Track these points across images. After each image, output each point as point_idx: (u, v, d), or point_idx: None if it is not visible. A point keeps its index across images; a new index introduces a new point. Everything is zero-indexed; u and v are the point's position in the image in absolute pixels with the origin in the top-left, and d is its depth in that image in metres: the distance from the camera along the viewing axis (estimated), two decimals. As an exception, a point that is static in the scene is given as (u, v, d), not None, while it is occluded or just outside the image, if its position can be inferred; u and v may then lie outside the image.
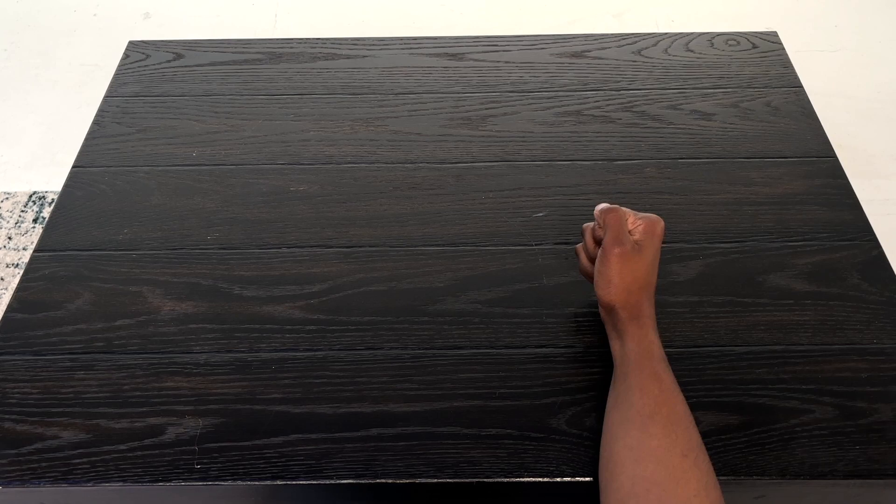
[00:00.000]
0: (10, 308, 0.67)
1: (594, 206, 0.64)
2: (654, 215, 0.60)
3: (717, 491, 0.48)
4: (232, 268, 0.70)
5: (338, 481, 0.55)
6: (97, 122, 0.85)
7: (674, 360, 0.59)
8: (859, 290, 0.67)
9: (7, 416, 0.59)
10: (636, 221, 0.60)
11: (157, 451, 0.57)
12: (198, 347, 0.64)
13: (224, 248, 0.71)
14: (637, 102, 0.86)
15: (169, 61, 0.93)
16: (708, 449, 0.54)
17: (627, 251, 0.57)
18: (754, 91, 0.87)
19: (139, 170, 0.79)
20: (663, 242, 0.70)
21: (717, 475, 0.50)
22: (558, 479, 0.55)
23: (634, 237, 0.59)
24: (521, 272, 0.69)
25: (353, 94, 0.88)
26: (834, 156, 0.79)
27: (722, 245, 0.71)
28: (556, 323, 0.65)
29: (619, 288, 0.57)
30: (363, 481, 0.55)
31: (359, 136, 0.83)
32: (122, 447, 0.57)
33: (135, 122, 0.85)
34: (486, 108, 0.85)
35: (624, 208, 0.60)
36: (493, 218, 0.74)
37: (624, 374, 0.55)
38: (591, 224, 0.63)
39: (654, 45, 0.94)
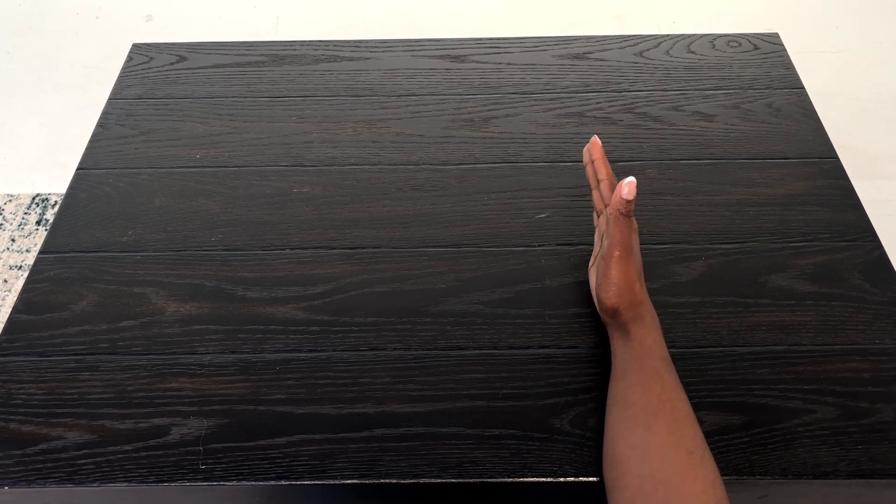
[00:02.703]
0: (16, 309, 0.67)
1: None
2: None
3: (723, 489, 0.49)
4: (235, 269, 0.70)
5: (342, 481, 0.56)
6: (101, 125, 0.86)
7: (676, 361, 0.59)
8: (861, 291, 0.67)
9: (12, 417, 0.60)
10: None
11: (161, 452, 0.57)
12: (202, 348, 0.64)
13: (228, 250, 0.72)
14: (639, 104, 0.86)
15: (172, 64, 0.94)
16: (711, 449, 0.55)
17: (627, 255, 0.57)
18: (756, 92, 0.87)
19: (143, 172, 0.80)
20: (665, 243, 0.71)
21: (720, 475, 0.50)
22: (561, 480, 0.56)
23: None
24: (524, 273, 0.69)
25: (356, 96, 0.88)
26: (835, 157, 0.79)
27: (724, 246, 0.71)
28: (559, 323, 0.65)
29: (623, 289, 0.57)
30: (367, 481, 0.56)
31: (361, 138, 0.83)
32: (127, 448, 0.57)
33: (138, 125, 0.85)
34: (489, 110, 0.86)
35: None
36: (496, 219, 0.74)
37: (623, 371, 0.55)
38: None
39: (656, 46, 0.94)
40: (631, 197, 0.56)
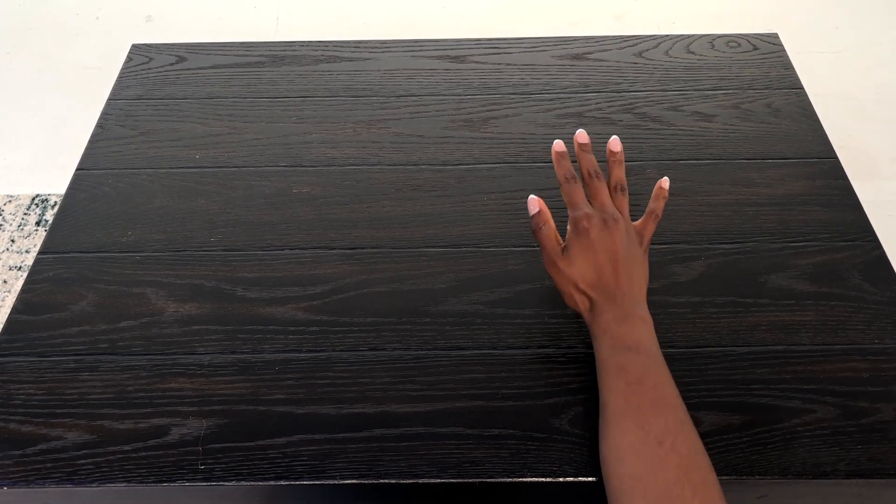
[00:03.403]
0: (15, 310, 0.67)
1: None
2: (582, 210, 0.60)
3: (701, 471, 0.48)
4: (235, 269, 0.70)
5: (341, 481, 0.56)
6: (100, 125, 0.86)
7: (675, 361, 0.59)
8: (861, 291, 0.67)
9: (12, 417, 0.60)
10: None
11: (161, 452, 0.57)
12: (201, 349, 0.64)
13: (227, 250, 0.72)
14: (638, 104, 0.86)
15: (171, 64, 0.94)
16: (710, 449, 0.55)
17: (556, 261, 0.60)
18: (755, 92, 0.87)
19: (142, 172, 0.80)
20: (664, 243, 0.70)
21: (719, 475, 0.50)
22: (561, 479, 0.56)
23: (564, 242, 0.61)
24: (523, 273, 0.69)
25: (355, 96, 0.88)
26: (835, 157, 0.79)
27: (723, 246, 0.71)
28: (558, 323, 0.65)
29: (568, 295, 0.60)
30: (366, 481, 0.56)
31: (361, 139, 0.83)
32: (127, 448, 0.57)
33: (138, 125, 0.85)
34: (488, 110, 0.86)
35: (550, 220, 0.61)
36: (495, 219, 0.74)
37: (598, 374, 0.56)
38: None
39: (655, 46, 0.94)
40: (533, 211, 0.61)
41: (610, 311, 0.57)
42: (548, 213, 0.61)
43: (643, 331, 0.56)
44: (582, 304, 0.59)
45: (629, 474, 0.49)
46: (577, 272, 0.58)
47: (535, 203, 0.61)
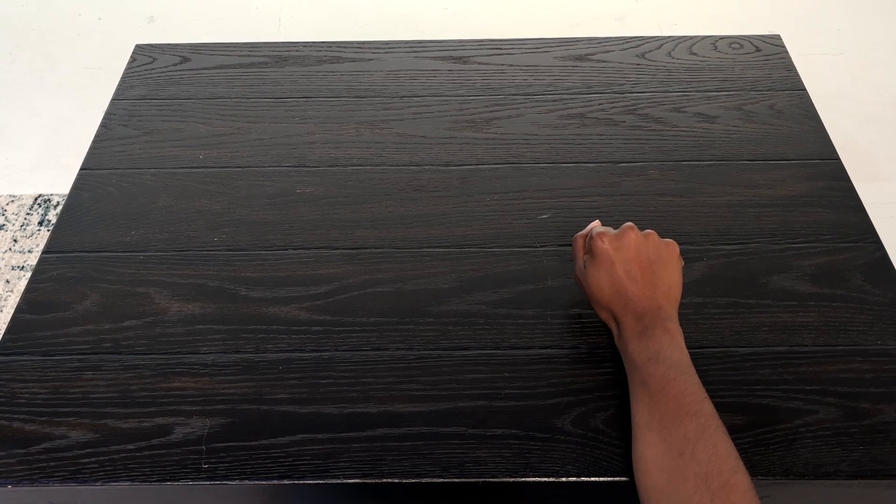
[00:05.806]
0: (19, 309, 0.67)
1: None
2: (597, 230, 0.61)
3: (721, 477, 0.48)
4: (238, 269, 0.70)
5: (344, 481, 0.56)
6: (104, 125, 0.86)
7: (678, 361, 0.59)
8: (862, 292, 0.67)
9: (16, 416, 0.60)
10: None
11: (164, 451, 0.57)
12: (205, 348, 0.64)
13: (230, 250, 0.72)
14: (640, 105, 0.86)
15: (175, 65, 0.94)
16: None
17: (580, 275, 0.62)
18: (757, 94, 0.87)
19: (146, 172, 0.80)
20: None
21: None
22: (563, 479, 0.56)
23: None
24: (526, 273, 0.69)
25: (359, 97, 0.88)
26: (837, 158, 0.80)
27: (725, 247, 0.71)
28: (561, 324, 0.65)
29: (596, 307, 0.61)
30: (369, 481, 0.56)
31: (364, 139, 0.83)
32: (130, 447, 0.58)
33: (141, 125, 0.86)
34: (491, 111, 0.86)
35: (582, 235, 0.63)
36: (498, 220, 0.74)
37: (629, 389, 0.57)
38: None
39: (658, 48, 0.94)
40: (589, 224, 0.65)
41: (630, 328, 0.57)
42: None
43: (664, 341, 0.55)
44: (609, 322, 0.60)
45: (653, 487, 0.50)
46: (595, 289, 0.60)
47: (595, 222, 0.65)
